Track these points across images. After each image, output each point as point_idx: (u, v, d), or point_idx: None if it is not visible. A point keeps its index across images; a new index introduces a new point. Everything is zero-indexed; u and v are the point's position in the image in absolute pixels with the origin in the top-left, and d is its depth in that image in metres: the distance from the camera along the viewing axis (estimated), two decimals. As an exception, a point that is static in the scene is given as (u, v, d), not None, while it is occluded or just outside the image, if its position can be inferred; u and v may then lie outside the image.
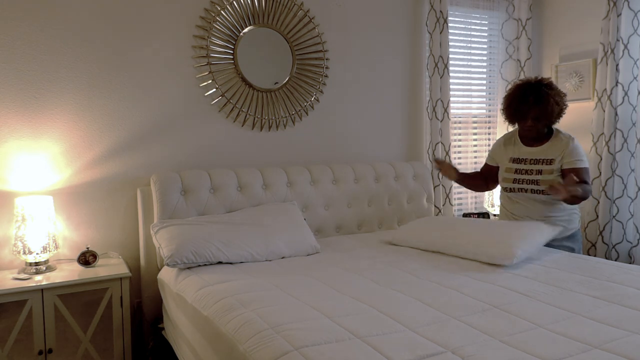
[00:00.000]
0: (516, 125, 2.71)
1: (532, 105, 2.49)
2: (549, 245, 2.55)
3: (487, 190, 3.05)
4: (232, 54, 2.89)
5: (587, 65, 3.49)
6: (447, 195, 3.48)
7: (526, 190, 2.59)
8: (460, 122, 3.73)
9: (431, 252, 2.53)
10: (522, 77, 3.72)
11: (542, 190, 2.54)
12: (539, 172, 2.55)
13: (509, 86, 2.79)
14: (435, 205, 3.45)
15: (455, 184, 3.40)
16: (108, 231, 2.68)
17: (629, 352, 1.35)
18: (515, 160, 2.64)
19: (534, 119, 2.52)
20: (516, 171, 2.62)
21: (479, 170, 2.98)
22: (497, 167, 2.78)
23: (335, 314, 1.65)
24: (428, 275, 2.10)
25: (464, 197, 3.77)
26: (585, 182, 2.48)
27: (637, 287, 1.91)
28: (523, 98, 2.51)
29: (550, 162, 2.54)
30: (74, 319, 2.33)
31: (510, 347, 1.40)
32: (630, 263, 3.14)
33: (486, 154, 3.83)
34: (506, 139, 2.76)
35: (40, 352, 2.25)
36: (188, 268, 2.29)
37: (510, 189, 2.66)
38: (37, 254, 2.34)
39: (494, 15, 3.77)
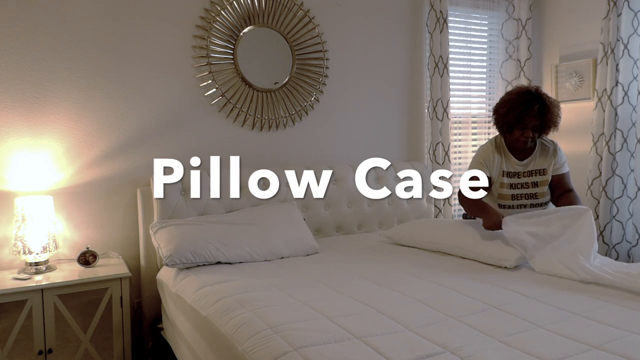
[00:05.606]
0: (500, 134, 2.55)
1: (536, 115, 2.38)
2: None
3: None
4: (232, 54, 2.89)
5: (587, 65, 3.49)
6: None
7: (525, 206, 2.52)
8: (459, 122, 3.73)
9: (431, 252, 2.53)
10: (521, 77, 3.72)
11: (542, 203, 2.52)
12: (535, 184, 2.51)
13: (508, 92, 2.57)
14: (435, 206, 3.44)
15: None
16: (108, 231, 2.68)
17: (628, 352, 1.35)
18: (509, 175, 2.52)
19: (534, 129, 2.43)
20: (511, 186, 2.52)
21: (479, 186, 2.52)
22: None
23: (335, 314, 1.65)
24: (428, 276, 2.10)
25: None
26: (571, 189, 2.53)
27: (636, 287, 1.90)
28: (527, 107, 2.37)
29: (543, 172, 2.51)
30: (74, 319, 2.33)
31: (509, 347, 1.40)
32: (629, 263, 3.13)
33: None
34: (495, 147, 2.56)
35: (40, 352, 2.25)
36: (187, 268, 2.29)
37: (508, 206, 2.55)
38: (37, 254, 2.35)
39: (494, 15, 3.76)
